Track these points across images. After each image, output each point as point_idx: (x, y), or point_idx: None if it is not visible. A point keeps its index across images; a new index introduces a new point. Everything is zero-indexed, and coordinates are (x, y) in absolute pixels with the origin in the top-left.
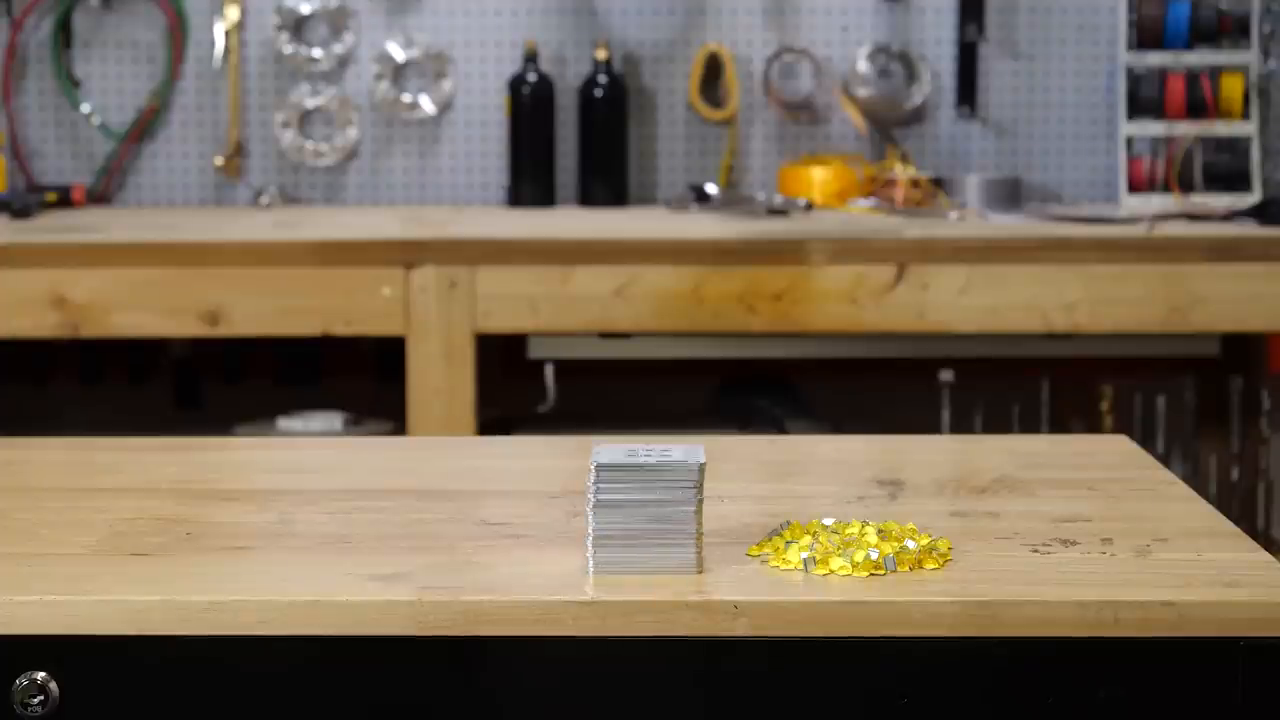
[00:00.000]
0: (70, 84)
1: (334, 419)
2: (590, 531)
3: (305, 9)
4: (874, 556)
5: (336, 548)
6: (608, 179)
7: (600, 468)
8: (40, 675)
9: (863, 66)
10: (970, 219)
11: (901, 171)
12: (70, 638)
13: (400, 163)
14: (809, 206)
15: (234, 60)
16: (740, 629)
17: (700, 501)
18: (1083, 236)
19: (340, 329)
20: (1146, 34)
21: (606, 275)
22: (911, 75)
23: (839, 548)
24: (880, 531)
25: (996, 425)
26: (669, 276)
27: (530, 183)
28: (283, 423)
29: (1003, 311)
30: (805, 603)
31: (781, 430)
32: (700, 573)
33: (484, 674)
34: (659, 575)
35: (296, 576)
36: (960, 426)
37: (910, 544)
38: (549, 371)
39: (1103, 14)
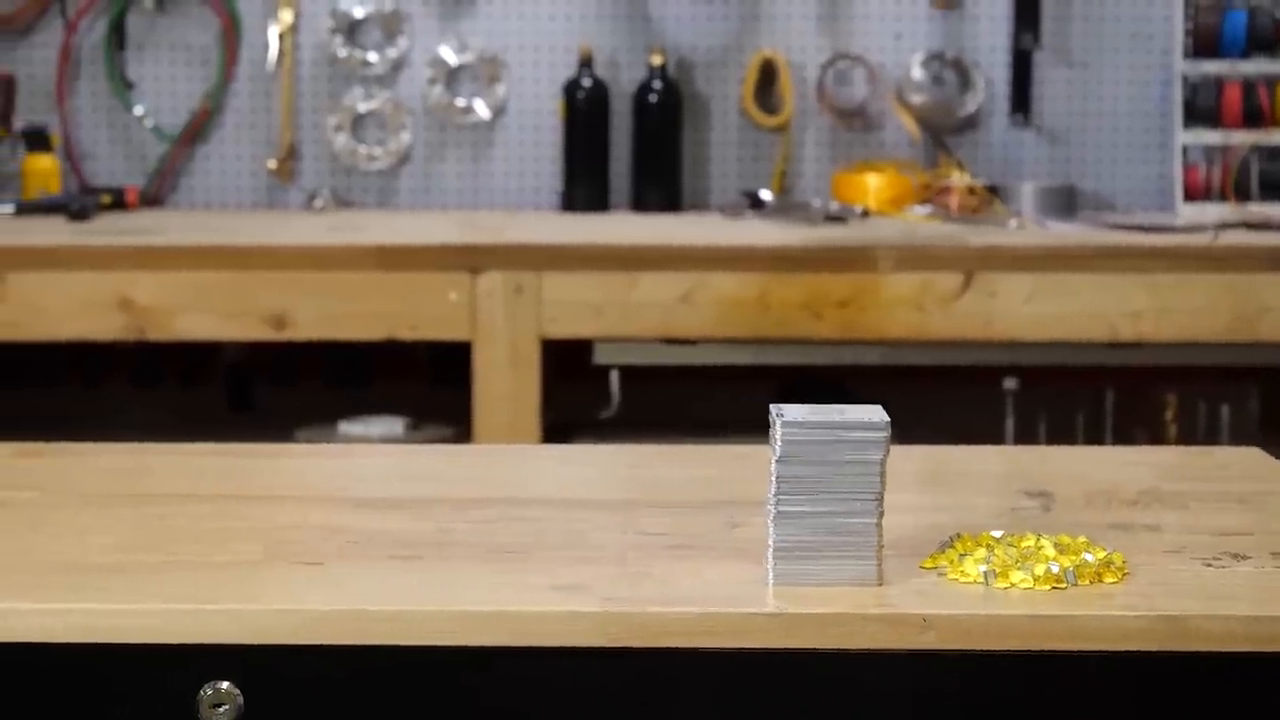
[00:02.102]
0: (123, 86)
1: (394, 423)
2: (770, 543)
3: (359, 12)
4: (1054, 570)
5: (505, 557)
6: (661, 185)
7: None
8: (225, 685)
9: (917, 73)
10: (1029, 227)
11: (958, 179)
12: (255, 647)
13: (453, 167)
14: (865, 213)
15: (287, 63)
16: (928, 642)
17: (881, 514)
18: (1147, 245)
19: (405, 334)
20: (1203, 42)
21: (672, 281)
22: (965, 82)
23: (1016, 561)
24: (1056, 544)
25: (1060, 434)
26: (734, 283)
27: (584, 188)
28: (344, 427)
29: (1068, 320)
30: (993, 616)
31: None
32: (881, 585)
33: (667, 687)
34: (839, 587)
35: (475, 586)
36: (1024, 435)
37: (1088, 557)
38: (614, 377)
39: (1156, 22)
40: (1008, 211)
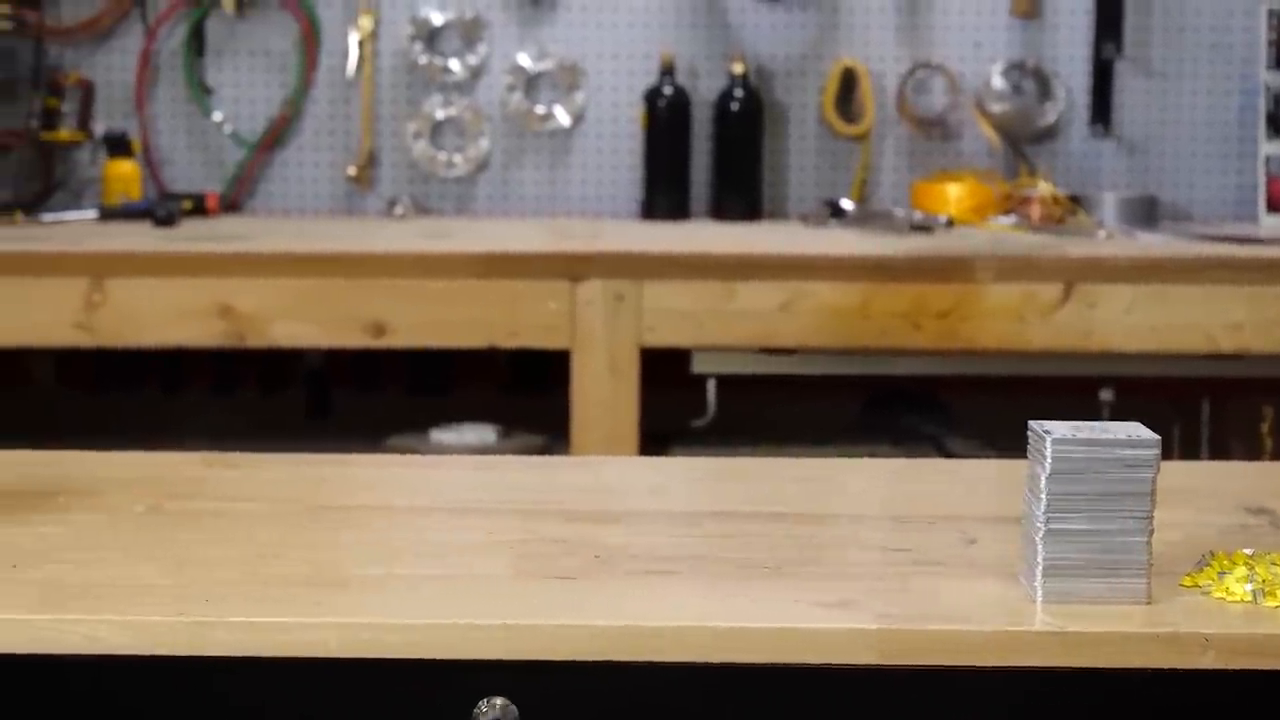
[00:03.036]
0: (202, 92)
1: (486, 431)
2: (1040, 560)
3: (439, 20)
4: None
5: (760, 573)
6: (741, 192)
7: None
8: (499, 701)
9: (996, 82)
10: (1118, 238)
11: (1041, 189)
12: (531, 663)
13: (531, 174)
14: (950, 223)
15: (367, 70)
16: (1207, 662)
17: (1152, 531)
18: (1247, 257)
19: (505, 342)
20: None
21: (771, 291)
22: (1045, 92)
23: None
24: None
25: None
26: (833, 293)
27: (664, 195)
28: (435, 435)
29: (1168, 331)
30: (1273, 635)
31: (941, 448)
32: (1149, 604)
33: (933, 705)
34: (1108, 606)
35: (743, 602)
36: None
37: None
38: (711, 386)
39: (1236, 33)
40: (1093, 222)
